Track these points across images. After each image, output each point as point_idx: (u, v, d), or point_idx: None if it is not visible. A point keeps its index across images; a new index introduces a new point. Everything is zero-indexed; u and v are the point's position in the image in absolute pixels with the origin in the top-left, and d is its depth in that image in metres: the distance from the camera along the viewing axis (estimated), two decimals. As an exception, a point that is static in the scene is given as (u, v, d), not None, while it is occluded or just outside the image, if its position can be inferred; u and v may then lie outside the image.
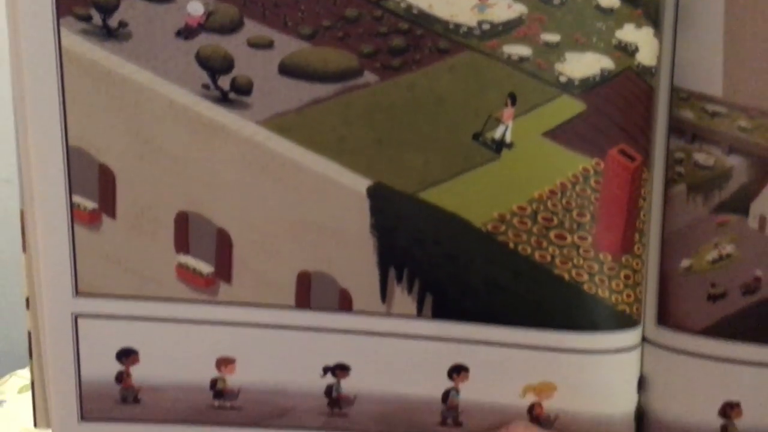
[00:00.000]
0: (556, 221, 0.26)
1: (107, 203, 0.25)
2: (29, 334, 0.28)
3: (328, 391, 0.28)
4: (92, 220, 0.26)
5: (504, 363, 0.27)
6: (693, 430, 0.27)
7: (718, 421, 0.27)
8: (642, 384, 0.28)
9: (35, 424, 0.29)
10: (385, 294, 0.27)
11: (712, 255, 0.26)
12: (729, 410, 0.26)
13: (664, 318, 0.27)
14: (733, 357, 0.26)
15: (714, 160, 0.25)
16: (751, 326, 0.25)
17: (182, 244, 0.26)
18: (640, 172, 0.26)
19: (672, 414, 0.27)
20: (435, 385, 0.28)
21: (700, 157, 0.25)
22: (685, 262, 0.26)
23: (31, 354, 0.28)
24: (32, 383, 0.28)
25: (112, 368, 0.27)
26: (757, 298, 0.25)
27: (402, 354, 0.27)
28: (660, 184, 0.26)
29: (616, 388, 0.28)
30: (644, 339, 0.28)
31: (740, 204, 0.25)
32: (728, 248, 0.25)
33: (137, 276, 0.26)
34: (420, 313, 0.27)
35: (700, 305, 0.26)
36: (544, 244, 0.26)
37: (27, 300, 0.27)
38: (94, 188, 0.25)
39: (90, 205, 0.26)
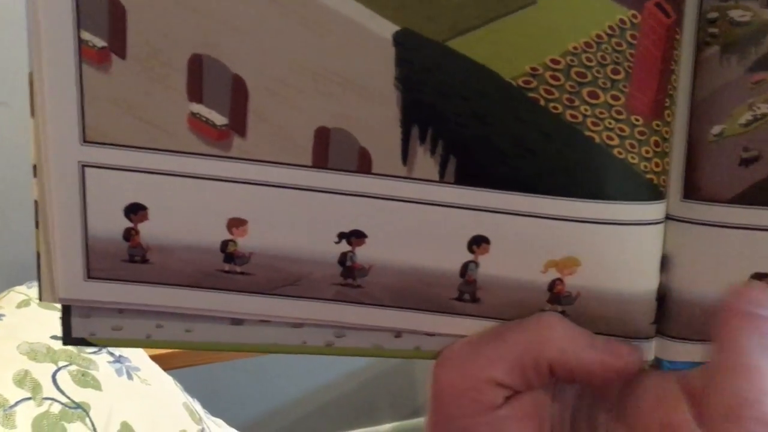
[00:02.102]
0: (590, 77, 0.25)
1: (117, 41, 0.24)
2: (35, 203, 0.26)
3: (342, 259, 0.27)
4: (101, 59, 0.24)
5: (527, 235, 0.26)
6: (718, 306, 0.27)
7: (744, 295, 0.26)
8: (665, 263, 0.27)
9: (40, 298, 0.27)
10: (406, 155, 0.26)
11: (746, 117, 0.25)
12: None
13: (691, 192, 0.26)
14: (763, 225, 0.25)
15: (751, 15, 0.24)
16: (784, 190, 0.25)
17: (195, 91, 0.25)
18: (674, 31, 0.25)
19: (697, 291, 0.27)
20: (454, 258, 0.27)
21: (736, 14, 0.24)
22: (716, 129, 0.25)
23: (38, 224, 0.26)
24: (38, 255, 0.26)
25: (120, 224, 0.25)
26: (792, 160, 0.24)
27: (421, 222, 0.26)
28: (691, 48, 0.25)
29: (640, 264, 0.27)
30: (668, 217, 0.27)
31: (778, 60, 0.24)
32: (763, 108, 0.25)
33: (148, 125, 0.25)
34: (442, 178, 0.26)
35: (730, 172, 0.25)
36: (576, 102, 0.25)
37: (34, 167, 0.26)
38: (104, 23, 0.24)
39: (99, 42, 0.24)
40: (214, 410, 0.99)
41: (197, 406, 0.90)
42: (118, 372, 0.79)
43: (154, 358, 0.89)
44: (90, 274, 0.26)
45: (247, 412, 1.45)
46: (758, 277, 0.26)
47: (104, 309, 0.28)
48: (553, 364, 0.26)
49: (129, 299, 0.27)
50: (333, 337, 0.29)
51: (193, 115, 0.25)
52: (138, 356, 0.85)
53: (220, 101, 0.25)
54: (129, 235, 0.26)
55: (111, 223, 0.26)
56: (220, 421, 0.94)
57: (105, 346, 0.34)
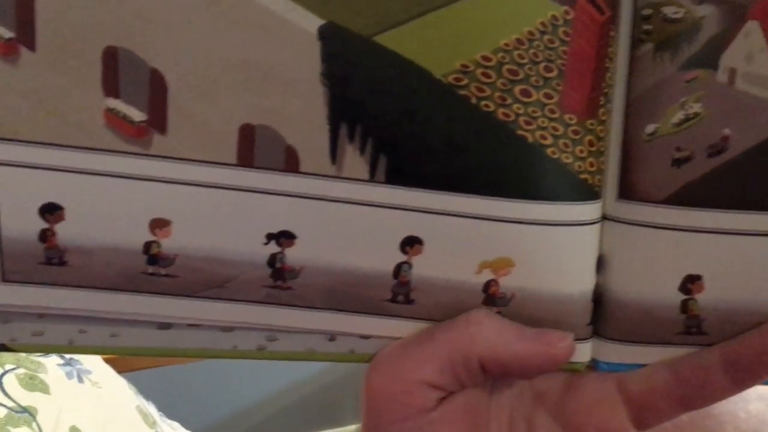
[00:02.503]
0: (522, 75, 0.24)
1: (26, 32, 0.23)
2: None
3: (272, 260, 0.26)
4: (8, 51, 0.23)
5: (460, 236, 0.26)
6: (652, 308, 0.26)
7: (679, 297, 0.26)
8: (601, 264, 0.27)
9: None
10: (335, 153, 0.25)
11: (678, 116, 0.25)
12: (690, 284, 0.26)
13: (625, 192, 0.26)
14: (695, 226, 0.25)
15: (684, 11, 0.24)
16: (716, 191, 0.24)
17: (111, 85, 0.23)
18: (608, 29, 0.25)
19: (632, 293, 0.26)
20: (386, 259, 0.26)
21: (669, 11, 0.24)
22: (650, 128, 0.25)
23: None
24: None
25: (36, 225, 0.24)
26: (724, 160, 0.24)
27: (352, 222, 0.26)
28: (627, 45, 0.25)
29: (575, 265, 0.26)
30: (604, 217, 0.27)
31: (710, 57, 0.24)
32: (695, 107, 0.24)
33: (61, 121, 0.23)
34: (373, 177, 0.25)
35: (663, 172, 0.25)
36: (509, 100, 0.24)
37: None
38: (10, 14, 0.22)
39: (6, 33, 0.23)
40: (172, 413, 0.97)
41: (152, 409, 0.88)
42: (69, 375, 0.77)
43: (108, 360, 0.87)
44: (5, 277, 0.25)
45: (209, 415, 1.43)
46: (690, 279, 0.25)
47: (24, 314, 0.26)
48: (483, 359, 0.25)
49: (48, 303, 0.26)
50: (265, 340, 0.28)
51: (110, 111, 0.24)
52: (90, 359, 0.83)
53: (138, 96, 0.24)
54: (45, 236, 0.24)
55: (25, 224, 0.24)
56: (175, 424, 0.93)
57: (26, 351, 0.33)
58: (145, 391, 0.93)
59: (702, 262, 0.25)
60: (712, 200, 0.24)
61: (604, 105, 0.25)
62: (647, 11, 0.24)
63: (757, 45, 0.23)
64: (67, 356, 0.80)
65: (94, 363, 0.83)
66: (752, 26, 0.23)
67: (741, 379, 0.25)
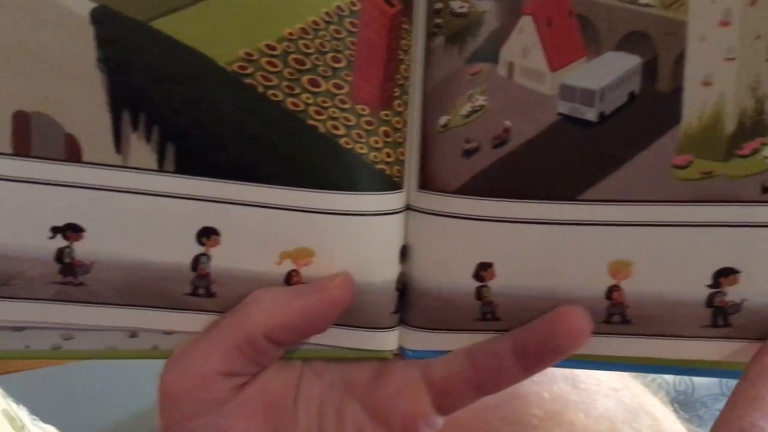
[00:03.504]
0: (309, 64, 0.24)
1: None
2: None
3: (59, 255, 0.25)
4: None
5: (258, 226, 0.26)
6: (451, 296, 0.27)
7: (473, 284, 0.26)
8: (405, 253, 0.27)
9: None
10: (119, 142, 0.24)
11: (466, 108, 0.25)
12: (483, 272, 0.26)
13: (425, 182, 0.26)
14: (484, 215, 0.26)
15: (469, 6, 0.24)
16: (501, 181, 0.25)
17: None
18: (399, 21, 0.25)
19: (432, 281, 0.27)
20: (183, 251, 0.25)
21: (456, 5, 0.24)
22: (443, 120, 0.25)
23: None
24: None
25: None
26: (507, 151, 0.25)
27: (144, 214, 0.25)
28: (422, 38, 0.25)
29: (377, 255, 0.27)
30: (408, 207, 0.27)
31: (491, 51, 0.24)
32: (480, 99, 0.25)
33: None
34: (162, 167, 0.24)
35: (456, 163, 0.25)
36: (297, 90, 0.24)
37: None
38: None
39: None
40: (51, 417, 0.93)
41: (23, 413, 0.84)
42: (-77, 381, 0.72)
43: (-26, 363, 0.83)
44: None
45: (101, 419, 1.37)
46: (482, 266, 0.26)
47: None
48: (268, 332, 0.25)
49: None
50: (60, 339, 0.27)
51: None
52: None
53: None
54: None
55: None
56: (50, 428, 0.89)
57: None
58: (17, 393, 0.88)
59: (492, 250, 0.26)
60: (498, 190, 0.25)
61: (400, 96, 0.25)
62: (438, 5, 0.25)
63: (531, 40, 0.24)
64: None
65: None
66: (526, 21, 0.24)
67: (530, 364, 0.26)
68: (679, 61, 0.22)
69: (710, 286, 0.25)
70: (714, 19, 0.22)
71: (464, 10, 0.25)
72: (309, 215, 0.25)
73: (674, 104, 0.23)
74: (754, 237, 0.24)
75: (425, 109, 0.26)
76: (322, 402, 0.28)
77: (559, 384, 0.29)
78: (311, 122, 0.24)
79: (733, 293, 0.25)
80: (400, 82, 0.25)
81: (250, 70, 0.24)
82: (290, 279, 0.26)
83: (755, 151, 0.22)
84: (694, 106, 0.23)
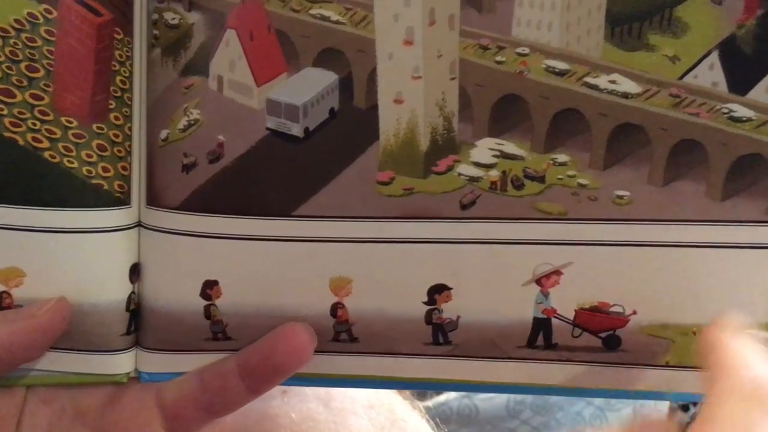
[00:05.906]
0: (0, 74, 0.23)
1: None
2: None
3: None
4: None
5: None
6: (180, 315, 0.26)
7: (201, 303, 0.26)
8: (137, 271, 0.26)
9: None
10: None
11: (183, 122, 0.24)
12: (209, 290, 0.26)
13: (152, 198, 0.25)
14: (207, 231, 0.25)
15: (179, 18, 0.24)
16: (218, 196, 0.25)
17: None
18: (110, 31, 0.24)
19: (162, 300, 0.26)
20: None
21: (169, 16, 0.24)
22: (163, 133, 0.25)
23: None
24: None
25: None
26: (222, 166, 0.24)
27: None
28: (144, 49, 0.25)
29: (100, 274, 0.25)
30: (139, 224, 0.26)
31: (202, 64, 0.24)
32: (195, 113, 0.24)
33: None
34: None
35: (176, 178, 0.25)
36: (-11, 100, 0.23)
37: None
38: None
39: None
40: None
41: None
42: None
43: None
44: None
45: None
46: (208, 284, 0.25)
47: None
48: None
49: None
50: None
51: None
52: None
53: None
54: None
55: None
56: None
57: None
58: None
59: (217, 268, 0.25)
60: (217, 206, 0.25)
61: (118, 109, 0.25)
62: (155, 16, 0.24)
63: (237, 53, 0.24)
64: None
65: None
66: (231, 35, 0.23)
67: (254, 384, 0.25)
68: (372, 77, 0.23)
69: (426, 303, 0.25)
70: (398, 38, 0.22)
71: (176, 21, 0.24)
72: (14, 233, 0.24)
73: (372, 121, 0.23)
74: (459, 253, 0.24)
75: (149, 123, 0.25)
76: (49, 430, 0.26)
77: (310, 403, 0.29)
78: (8, 135, 0.23)
79: (448, 310, 0.25)
80: (117, 94, 0.24)
81: (-68, 78, 0.22)
82: (2, 301, 0.25)
83: (449, 168, 0.23)
84: (390, 123, 0.23)
